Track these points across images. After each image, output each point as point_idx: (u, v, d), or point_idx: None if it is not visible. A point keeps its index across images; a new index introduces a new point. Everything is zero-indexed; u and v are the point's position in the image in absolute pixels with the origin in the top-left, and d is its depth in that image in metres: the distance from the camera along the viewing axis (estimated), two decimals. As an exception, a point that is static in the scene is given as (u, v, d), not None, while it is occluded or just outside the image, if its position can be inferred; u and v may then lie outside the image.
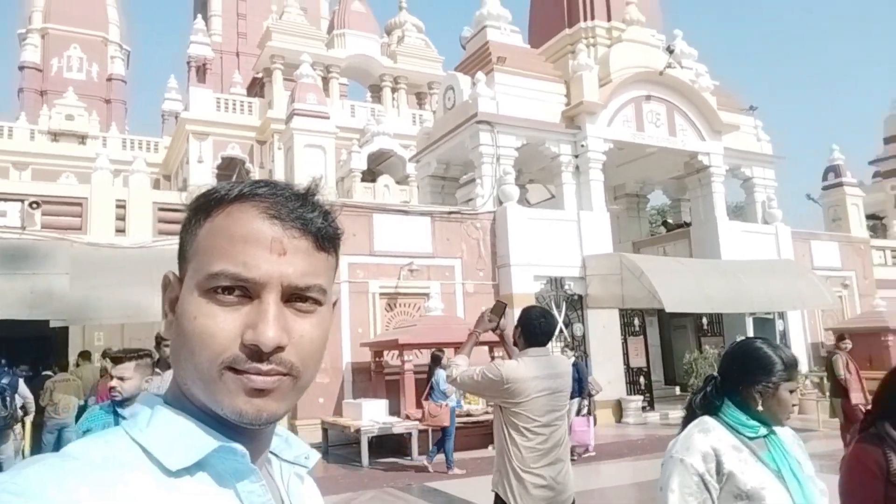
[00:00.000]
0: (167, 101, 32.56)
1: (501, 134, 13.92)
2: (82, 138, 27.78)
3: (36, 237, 10.07)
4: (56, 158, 26.79)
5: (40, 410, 8.47)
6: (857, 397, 9.02)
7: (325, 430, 10.92)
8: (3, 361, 9.39)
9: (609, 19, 16.36)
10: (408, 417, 10.19)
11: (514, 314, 3.44)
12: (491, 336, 3.42)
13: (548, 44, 16.68)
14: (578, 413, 10.05)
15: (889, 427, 2.05)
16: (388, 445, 10.27)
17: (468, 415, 10.52)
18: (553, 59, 16.19)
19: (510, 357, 3.29)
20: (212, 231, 0.70)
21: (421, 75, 27.67)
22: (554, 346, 11.32)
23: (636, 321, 14.75)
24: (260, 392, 0.66)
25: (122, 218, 10.99)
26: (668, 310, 12.17)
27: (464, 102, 14.59)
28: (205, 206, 0.72)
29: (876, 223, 25.99)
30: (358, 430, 9.66)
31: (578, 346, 13.30)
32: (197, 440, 0.66)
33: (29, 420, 8.23)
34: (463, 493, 7.80)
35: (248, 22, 31.36)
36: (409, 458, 9.88)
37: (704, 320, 16.15)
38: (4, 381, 7.15)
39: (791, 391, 1.84)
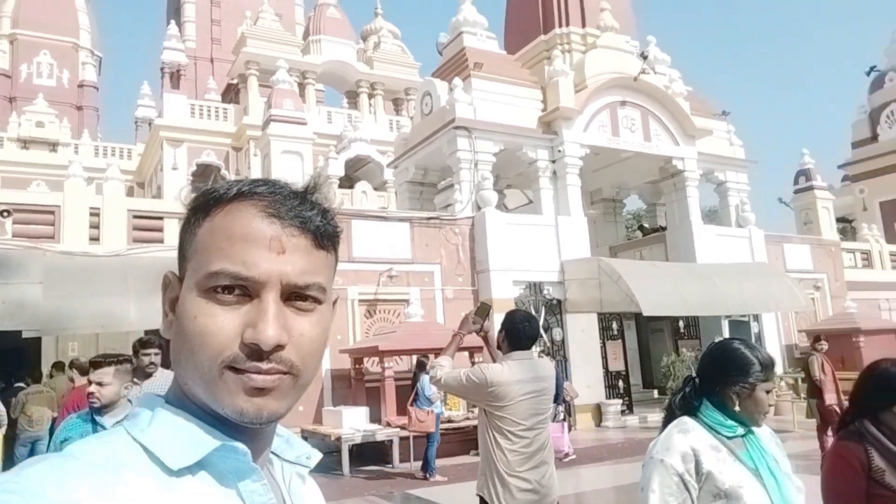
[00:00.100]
0: (140, 107, 32.14)
1: (479, 139, 13.98)
2: (53, 146, 27.31)
3: (7, 246, 9.86)
4: (26, 166, 26.28)
5: (13, 423, 8.28)
6: (831, 398, 9.18)
7: (304, 439, 10.79)
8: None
9: (584, 26, 16.53)
10: (388, 425, 10.14)
11: (494, 319, 3.45)
12: (472, 341, 3.42)
13: (524, 50, 16.81)
14: (554, 419, 10.09)
15: (869, 424, 2.09)
16: (369, 454, 10.21)
17: (449, 421, 10.51)
18: (529, 64, 16.32)
19: (494, 359, 3.30)
20: (211, 230, 0.70)
21: (397, 81, 27.69)
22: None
23: (614, 325, 14.87)
24: (260, 391, 0.66)
25: (95, 226, 10.82)
26: (645, 313, 12.29)
27: (441, 108, 14.63)
28: (204, 206, 0.72)
29: (845, 226, 26.58)
30: (339, 439, 9.59)
31: (558, 350, 13.36)
32: (198, 439, 0.66)
33: (1, 433, 8.03)
34: (445, 500, 7.78)
35: (223, 28, 31.12)
36: (391, 465, 9.83)
37: (681, 323, 16.34)
38: (-25, 393, 6.99)
39: (767, 391, 1.87)
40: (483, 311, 3.28)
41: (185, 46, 28.68)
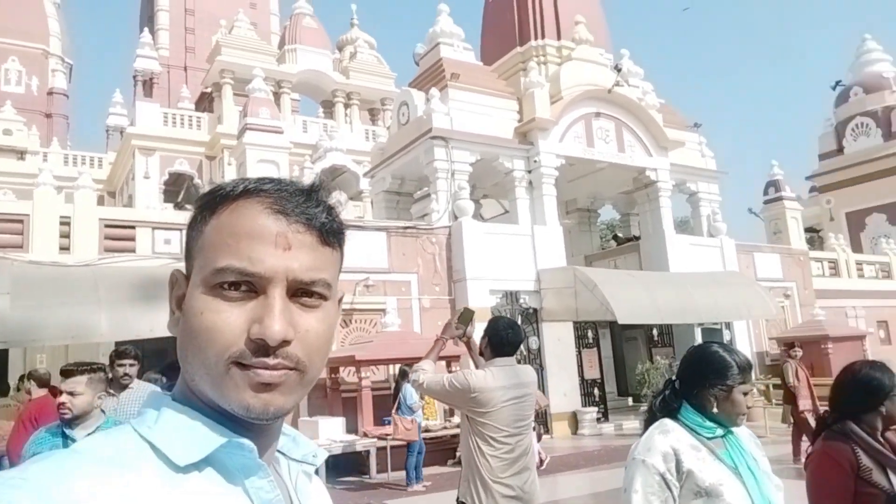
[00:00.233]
0: (112, 115, 31.69)
1: (456, 149, 14.04)
2: (21, 154, 26.74)
3: (-27, 256, 9.62)
4: (-7, 174, 25.69)
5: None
6: (805, 403, 9.37)
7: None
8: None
9: (559, 38, 16.74)
10: (366, 435, 10.07)
11: (476, 326, 3.46)
12: (450, 350, 3.43)
13: (500, 61, 16.96)
14: None
15: (853, 425, 2.14)
16: (345, 465, 10.12)
17: (426, 430, 10.46)
18: (505, 76, 16.46)
19: (476, 366, 3.31)
20: (217, 227, 0.70)
21: (374, 91, 27.70)
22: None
23: (590, 333, 14.98)
24: (267, 386, 0.67)
25: (66, 235, 10.61)
26: (620, 321, 12.41)
27: (418, 118, 14.67)
28: (210, 203, 0.73)
29: (813, 236, 27.16)
30: (315, 449, 9.47)
31: (534, 359, 13.41)
32: (204, 436, 0.67)
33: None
34: (423, 509, 7.74)
35: (197, 36, 30.86)
36: (368, 476, 9.75)
37: (655, 332, 16.52)
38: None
39: (745, 393, 1.92)
40: (466, 316, 3.29)
41: (158, 54, 28.41)
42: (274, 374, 0.67)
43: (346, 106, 27.19)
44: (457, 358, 10.43)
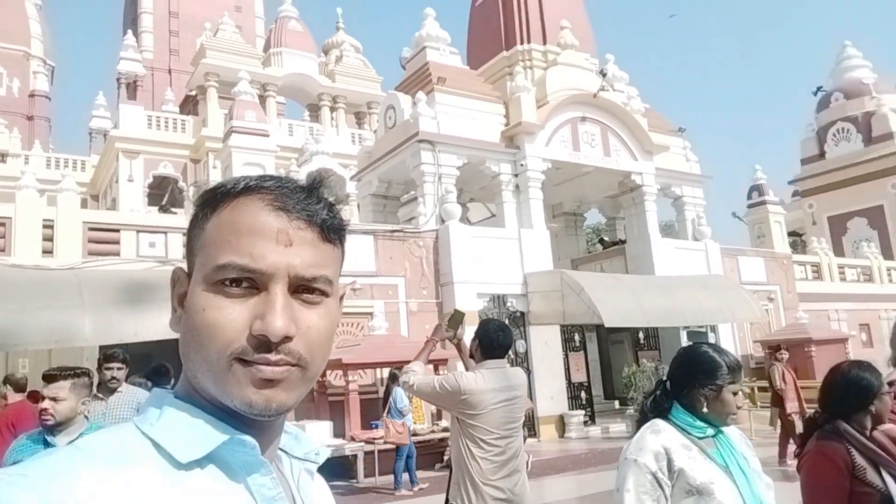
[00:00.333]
0: (95, 118, 31.36)
1: (443, 153, 14.06)
2: (2, 156, 26.42)
3: (-47, 259, 9.49)
4: (-27, 177, 25.35)
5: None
6: (792, 406, 9.48)
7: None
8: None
9: (545, 43, 16.83)
10: (353, 439, 10.03)
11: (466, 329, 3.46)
12: (438, 354, 3.44)
13: (486, 65, 17.01)
14: None
15: (846, 425, 2.17)
16: (332, 469, 10.07)
17: (414, 434, 10.43)
18: (492, 80, 16.51)
19: (467, 368, 3.31)
20: (218, 224, 0.70)
21: (360, 95, 27.68)
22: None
23: (576, 337, 15.03)
24: (269, 382, 0.67)
25: (49, 238, 10.49)
26: (606, 325, 12.46)
27: (405, 122, 14.67)
28: (211, 201, 0.73)
29: (796, 240, 27.47)
30: (302, 454, 9.42)
31: (521, 362, 13.43)
32: (207, 433, 0.66)
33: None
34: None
35: (181, 39, 30.69)
36: (356, 480, 9.71)
37: (641, 335, 16.60)
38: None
39: (734, 393, 1.93)
40: (456, 319, 3.29)
41: (142, 57, 28.22)
42: (276, 370, 0.67)
43: (333, 109, 27.14)
44: (444, 361, 10.43)
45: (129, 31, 29.21)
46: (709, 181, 18.66)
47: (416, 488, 8.95)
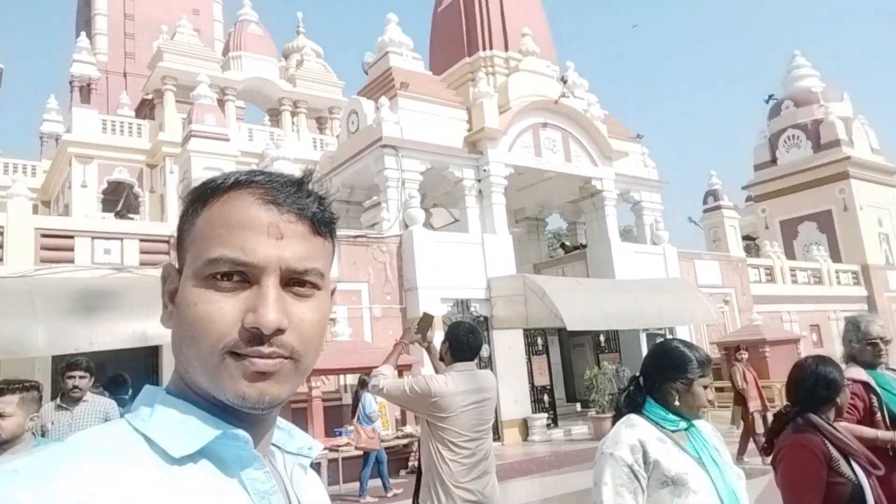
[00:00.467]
0: (47, 122, 30.41)
1: (406, 158, 14.05)
2: (-53, 161, 25.45)
3: None
4: (-85, 183, 24.32)
5: None
6: (754, 405, 9.72)
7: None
8: None
9: (506, 49, 16.99)
10: (316, 446, 9.91)
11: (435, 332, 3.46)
12: (402, 359, 3.44)
13: (449, 71, 17.09)
14: None
15: (817, 418, 2.24)
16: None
17: (380, 440, 10.38)
18: (454, 85, 16.59)
19: (436, 371, 3.31)
20: (209, 219, 0.70)
21: (321, 100, 27.47)
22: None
23: (539, 341, 15.16)
24: (262, 375, 0.67)
25: (-1, 245, 10.14)
26: (569, 328, 12.61)
27: (368, 126, 14.63)
28: (202, 196, 0.73)
29: (750, 243, 28.22)
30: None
31: (485, 366, 13.47)
32: (199, 427, 0.66)
33: None
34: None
35: (137, 42, 30.01)
36: (319, 488, 9.59)
37: (602, 338, 16.83)
38: None
39: (705, 386, 1.99)
40: (426, 322, 3.30)
41: (96, 60, 27.48)
42: (269, 363, 0.67)
43: (293, 114, 26.88)
44: (408, 367, 10.40)
45: (83, 33, 28.42)
46: (666, 186, 19.06)
47: (390, 493, 8.90)
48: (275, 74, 26.65)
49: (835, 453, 2.17)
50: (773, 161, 28.21)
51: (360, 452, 9.09)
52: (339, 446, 9.47)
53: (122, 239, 10.96)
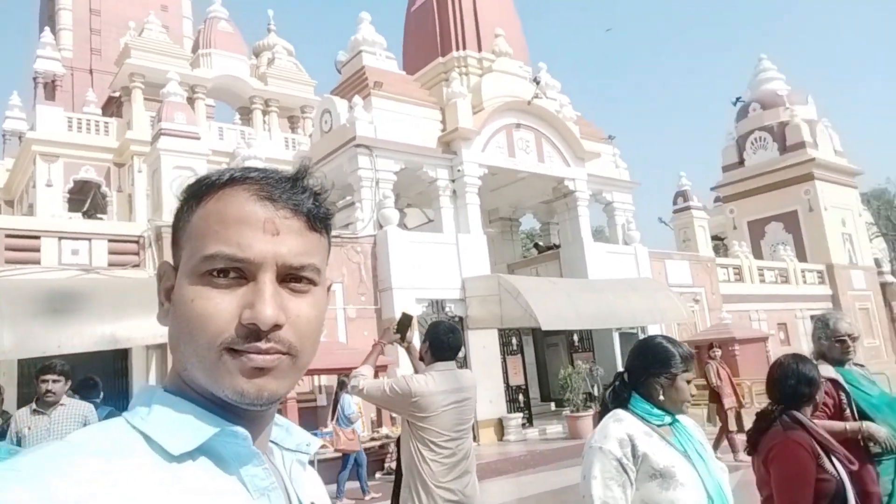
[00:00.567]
0: (9, 119, 29.66)
1: (380, 158, 14.01)
2: None
3: None
4: None
5: None
6: (729, 402, 9.89)
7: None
8: None
9: (480, 50, 17.04)
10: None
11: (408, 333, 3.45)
12: (380, 360, 3.42)
13: (422, 71, 17.08)
14: None
15: (801, 416, 2.28)
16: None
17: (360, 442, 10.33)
18: (428, 85, 16.59)
19: (416, 371, 3.30)
20: (204, 215, 0.70)
21: (293, 98, 27.22)
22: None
23: (514, 340, 15.23)
24: (260, 371, 0.67)
25: (-39, 246, 9.85)
26: (543, 328, 12.68)
27: (341, 126, 14.55)
28: (197, 192, 0.73)
29: (718, 244, 28.70)
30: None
31: (461, 366, 13.47)
32: (198, 425, 0.66)
33: None
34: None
35: (103, 38, 29.45)
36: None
37: (576, 337, 16.97)
38: None
39: (688, 381, 2.02)
40: (404, 322, 3.29)
41: (61, 56, 26.89)
42: (267, 359, 0.67)
43: (265, 113, 26.59)
44: (384, 368, 10.37)
45: (47, 28, 27.80)
46: (637, 187, 19.29)
47: (367, 497, 8.85)
48: (245, 72, 26.35)
49: (819, 451, 2.21)
50: (741, 162, 28.74)
51: (339, 455, 9.03)
52: (322, 447, 9.39)
53: (90, 239, 10.73)
